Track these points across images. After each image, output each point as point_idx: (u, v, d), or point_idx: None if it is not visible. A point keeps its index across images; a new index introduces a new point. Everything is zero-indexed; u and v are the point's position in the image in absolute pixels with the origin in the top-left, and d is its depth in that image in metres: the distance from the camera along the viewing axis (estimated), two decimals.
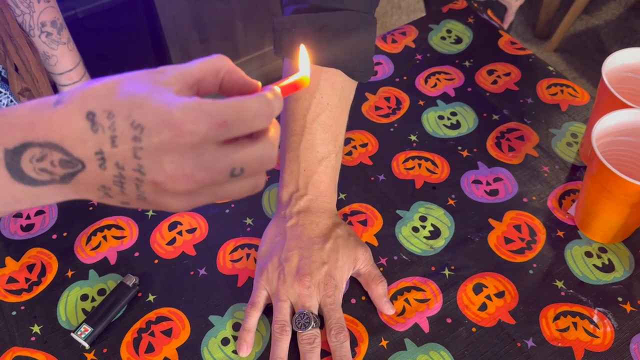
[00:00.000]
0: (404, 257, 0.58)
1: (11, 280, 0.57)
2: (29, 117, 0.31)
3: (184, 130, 0.29)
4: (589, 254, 0.58)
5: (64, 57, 0.74)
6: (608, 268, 0.57)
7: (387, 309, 0.54)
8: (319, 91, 0.57)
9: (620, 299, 0.54)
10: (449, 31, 0.81)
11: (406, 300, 0.55)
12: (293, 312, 0.53)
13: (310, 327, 0.51)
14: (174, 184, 0.31)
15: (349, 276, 0.55)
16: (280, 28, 0.57)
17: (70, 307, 0.55)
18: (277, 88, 0.33)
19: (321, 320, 0.53)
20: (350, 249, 0.55)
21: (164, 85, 0.31)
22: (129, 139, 0.30)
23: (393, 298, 0.55)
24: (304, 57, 0.37)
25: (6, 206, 0.33)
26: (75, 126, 0.30)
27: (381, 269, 0.57)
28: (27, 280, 0.57)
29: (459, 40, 0.79)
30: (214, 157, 0.31)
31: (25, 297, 0.56)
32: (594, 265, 0.57)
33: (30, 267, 0.58)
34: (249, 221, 0.61)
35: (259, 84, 0.35)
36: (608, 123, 0.54)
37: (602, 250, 0.58)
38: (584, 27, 2.00)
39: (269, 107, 0.32)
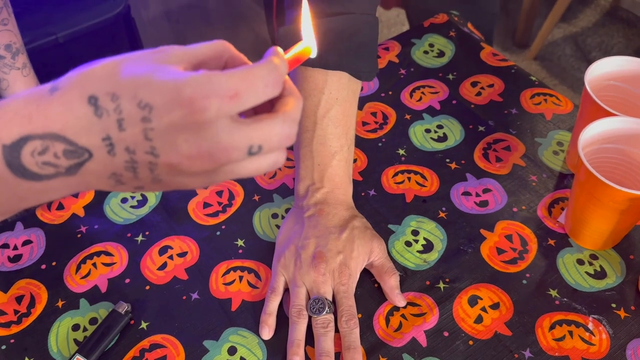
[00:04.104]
0: (398, 272, 0.58)
1: None
2: (25, 109, 0.29)
3: (196, 107, 0.28)
4: (580, 262, 0.58)
5: (15, 83, 0.73)
6: (600, 275, 0.57)
7: (398, 301, 0.55)
8: (327, 87, 0.59)
9: (614, 305, 0.55)
10: (431, 45, 0.81)
11: (402, 315, 0.55)
12: (309, 298, 0.54)
13: (324, 312, 0.52)
14: (190, 164, 0.29)
15: (363, 267, 0.57)
16: (285, 35, 0.59)
17: (61, 337, 0.54)
18: (279, 50, 0.32)
19: (334, 306, 0.54)
20: (366, 240, 0.56)
21: (168, 64, 0.29)
22: (137, 120, 0.28)
23: (389, 314, 0.55)
24: (306, 22, 0.35)
25: (11, 205, 0.31)
26: (77, 113, 0.28)
27: (375, 285, 0.57)
28: (15, 312, 0.56)
29: (441, 54, 0.80)
30: (229, 134, 0.29)
31: (15, 329, 0.55)
32: (586, 272, 0.57)
33: (19, 299, 0.57)
34: (240, 243, 0.61)
35: None
36: (593, 131, 0.55)
37: (594, 257, 0.58)
38: (561, 35, 2.03)
39: (278, 73, 0.30)
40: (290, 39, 0.59)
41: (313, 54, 0.35)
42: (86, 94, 0.28)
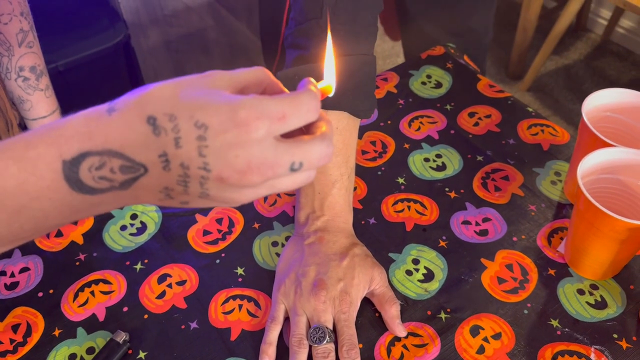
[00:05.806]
0: (399, 301, 0.57)
1: None
2: (85, 127, 0.31)
3: (250, 127, 0.30)
4: (581, 292, 0.58)
5: (39, 104, 0.74)
6: (601, 305, 0.57)
7: (399, 331, 0.54)
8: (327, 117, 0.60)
9: (615, 336, 0.55)
10: (428, 76, 0.83)
11: (404, 346, 0.54)
12: (309, 327, 0.53)
13: (324, 342, 0.52)
14: (239, 178, 0.31)
15: (364, 294, 0.56)
16: (284, 78, 0.60)
17: None
18: (313, 80, 0.35)
19: (335, 335, 0.53)
20: (367, 268, 0.56)
21: (218, 88, 0.32)
22: (193, 138, 0.30)
23: (391, 344, 0.54)
24: (329, 63, 0.37)
25: (64, 218, 0.33)
26: (136, 131, 0.30)
27: (376, 314, 0.57)
28: (11, 341, 0.55)
29: (439, 85, 0.81)
30: (275, 151, 0.31)
31: (11, 359, 0.54)
32: (587, 302, 0.57)
33: (15, 327, 0.56)
34: (240, 271, 0.61)
35: None
36: (592, 162, 0.56)
37: (594, 287, 0.58)
38: (554, 67, 2.07)
39: (316, 100, 0.33)
40: (295, 82, 0.60)
41: (331, 93, 0.37)
42: (145, 114, 0.31)
